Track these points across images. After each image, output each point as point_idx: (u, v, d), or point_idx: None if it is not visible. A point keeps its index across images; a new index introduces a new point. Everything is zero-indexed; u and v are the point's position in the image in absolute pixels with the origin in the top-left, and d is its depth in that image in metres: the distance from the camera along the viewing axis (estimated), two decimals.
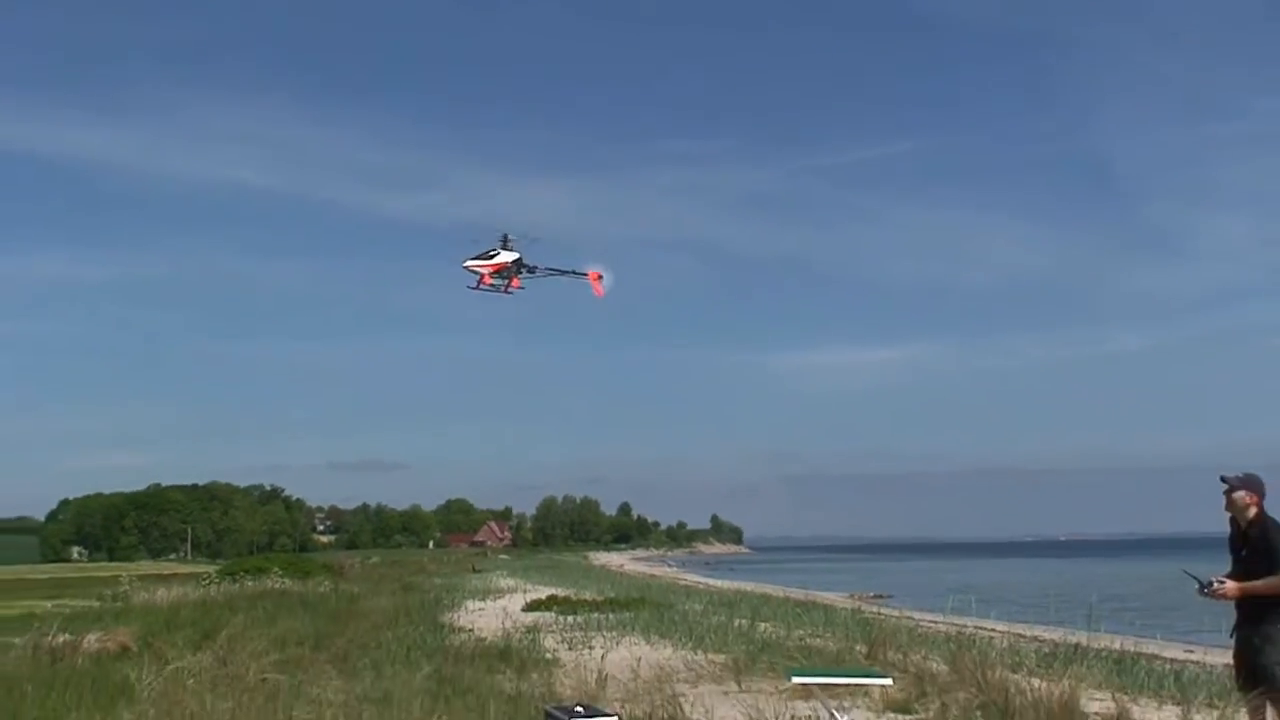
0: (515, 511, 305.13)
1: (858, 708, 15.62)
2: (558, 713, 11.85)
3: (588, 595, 43.93)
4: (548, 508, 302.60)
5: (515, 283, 38.01)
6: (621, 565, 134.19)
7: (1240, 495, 11.28)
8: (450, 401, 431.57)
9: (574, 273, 40.01)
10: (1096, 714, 14.48)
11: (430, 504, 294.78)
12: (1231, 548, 11.47)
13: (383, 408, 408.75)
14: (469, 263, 37.86)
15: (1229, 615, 11.50)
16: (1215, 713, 12.65)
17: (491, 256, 37.87)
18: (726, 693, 17.52)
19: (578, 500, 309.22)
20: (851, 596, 57.26)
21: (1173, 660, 23.48)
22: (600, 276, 40.16)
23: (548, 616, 34.30)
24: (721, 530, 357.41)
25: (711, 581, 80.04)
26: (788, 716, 14.80)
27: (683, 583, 75.08)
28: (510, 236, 38.54)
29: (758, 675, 19.15)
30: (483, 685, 17.01)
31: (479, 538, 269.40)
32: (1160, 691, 17.27)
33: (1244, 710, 11.42)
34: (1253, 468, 11.50)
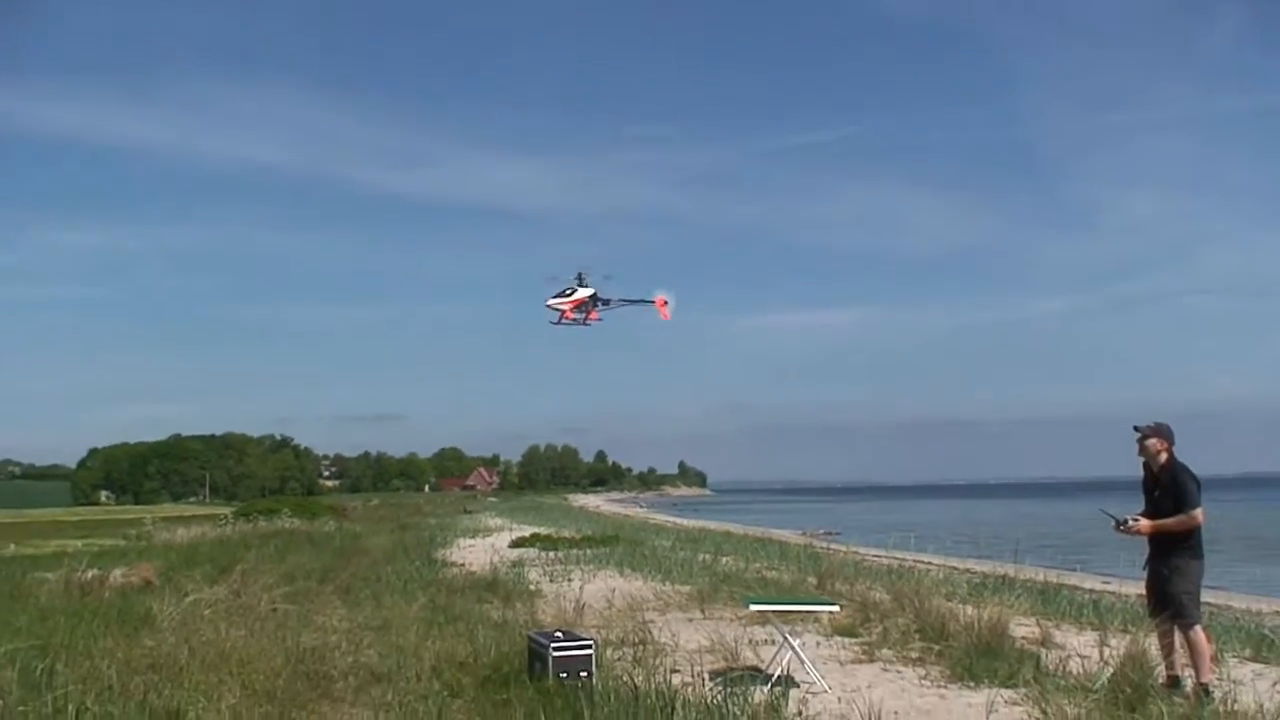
0: (503, 458, 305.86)
1: (808, 631, 15.66)
2: (539, 638, 11.87)
3: (567, 533, 43.90)
4: (532, 455, 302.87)
5: (594, 315, 38.06)
6: (598, 506, 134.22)
7: (1152, 442, 11.39)
8: (445, 359, 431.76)
9: (643, 301, 40.06)
10: (1023, 638, 14.54)
11: (426, 452, 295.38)
12: (1144, 489, 11.56)
13: (385, 365, 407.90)
14: (551, 301, 37.93)
15: (1142, 550, 11.58)
16: (1128, 637, 12.68)
17: (570, 294, 37.89)
18: (691, 619, 17.55)
19: (559, 448, 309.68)
20: (804, 534, 57.35)
21: (1091, 591, 23.60)
22: (665, 301, 40.21)
23: (531, 552, 34.26)
24: (687, 475, 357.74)
25: (678, 521, 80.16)
26: (745, 639, 14.86)
27: (652, 522, 75.17)
28: (585, 273, 38.63)
29: (719, 604, 19.19)
30: (472, 614, 17.02)
31: (470, 482, 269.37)
32: (1080, 618, 17.34)
33: (1154, 634, 11.50)
34: (1163, 418, 11.58)
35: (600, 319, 38.45)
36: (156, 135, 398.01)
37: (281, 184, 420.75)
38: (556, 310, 37.95)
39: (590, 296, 38.09)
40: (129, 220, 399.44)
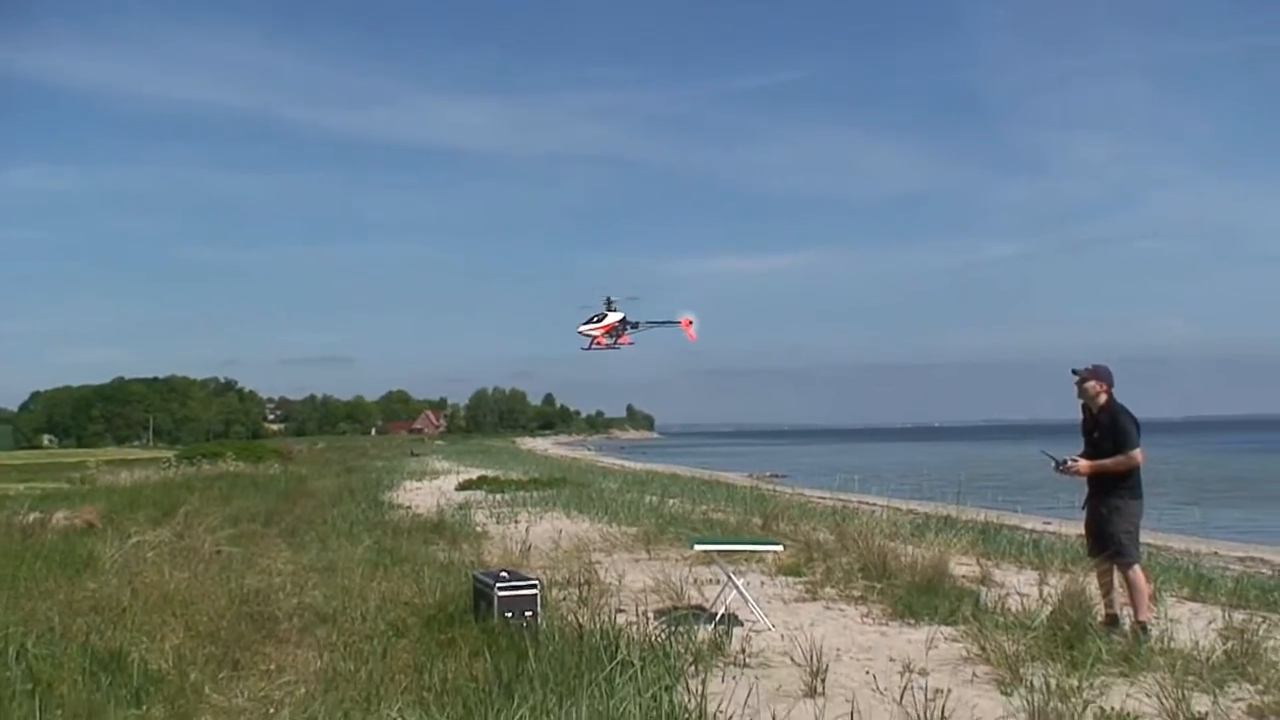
0: (450, 402, 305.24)
1: (753, 571, 15.77)
2: (485, 578, 11.89)
3: (514, 476, 43.95)
4: (480, 398, 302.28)
5: (625, 339, 38.16)
6: (546, 449, 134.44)
7: (1090, 385, 11.48)
8: (393, 302, 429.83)
9: (670, 322, 40.23)
10: (963, 577, 14.70)
11: (372, 395, 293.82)
12: (1084, 431, 11.66)
13: (331, 308, 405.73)
14: (583, 328, 38.02)
15: (1081, 490, 11.71)
16: (1067, 576, 12.86)
17: (600, 319, 37.95)
18: (637, 560, 17.64)
19: (507, 392, 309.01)
20: (750, 476, 57.66)
21: (1031, 531, 23.86)
22: (691, 322, 40.36)
23: (478, 495, 34.28)
24: (635, 418, 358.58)
25: (626, 463, 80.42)
26: (691, 580, 14.95)
27: (600, 464, 75.37)
28: (613, 298, 38.73)
29: (665, 544, 19.29)
30: (418, 555, 17.02)
31: (417, 425, 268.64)
32: (1020, 558, 17.54)
33: (1093, 573, 11.65)
34: (1111, 362, 11.69)
35: (632, 343, 38.81)
36: (100, 75, 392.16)
37: (228, 125, 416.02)
38: (588, 336, 38.17)
39: (620, 320, 38.39)
40: (72, 161, 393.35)
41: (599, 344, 37.85)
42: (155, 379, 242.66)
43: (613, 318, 38.12)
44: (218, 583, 12.81)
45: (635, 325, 38.84)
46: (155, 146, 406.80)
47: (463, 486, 38.67)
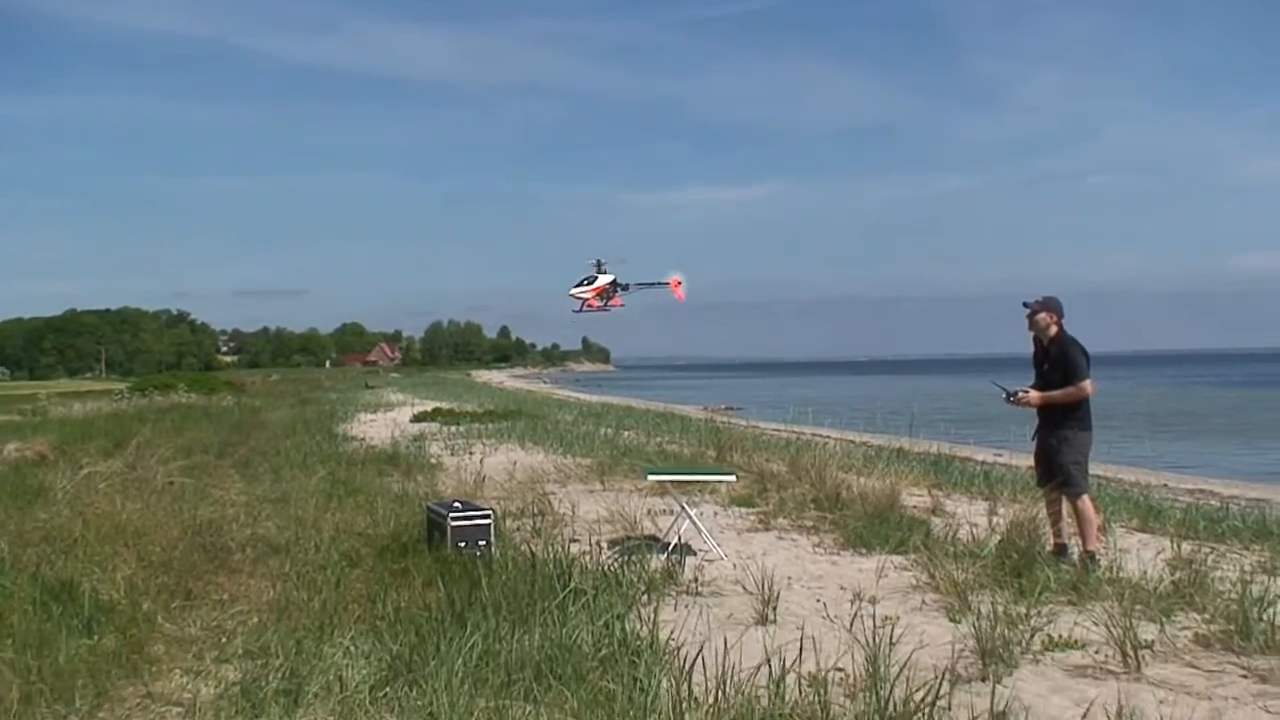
0: (405, 334, 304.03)
1: (706, 502, 15.86)
2: (439, 508, 11.91)
3: (469, 408, 43.91)
4: (435, 331, 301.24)
5: (616, 301, 38.23)
6: (501, 382, 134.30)
7: (1041, 317, 11.50)
8: (347, 233, 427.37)
9: (660, 283, 40.31)
10: (914, 507, 14.83)
11: (327, 327, 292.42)
12: (1035, 363, 11.70)
13: (284, 239, 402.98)
14: (575, 291, 38.18)
15: (1032, 422, 11.79)
16: (1017, 506, 12.99)
17: (592, 282, 37.89)
18: (591, 491, 17.69)
19: (462, 324, 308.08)
20: (705, 409, 57.75)
21: (983, 462, 24.04)
22: (680, 283, 40.34)
23: (433, 427, 34.28)
24: (591, 351, 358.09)
25: (581, 396, 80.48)
26: (644, 510, 15.02)
27: (555, 397, 75.41)
28: (603, 260, 38.65)
29: (619, 476, 19.36)
30: (372, 486, 17.02)
31: (372, 358, 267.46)
32: (971, 488, 17.69)
33: (1042, 504, 11.77)
34: (1065, 296, 11.71)
35: (623, 304, 38.96)
36: (50, 2, 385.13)
37: (178, 52, 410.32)
38: (580, 299, 38.22)
39: (611, 283, 38.48)
40: (22, 89, 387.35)
41: (591, 306, 38.13)
42: (107, 311, 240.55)
43: (603, 280, 38.36)
44: (170, 513, 12.75)
45: (626, 287, 39.14)
46: (104, 74, 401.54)
47: (417, 419, 38.65)
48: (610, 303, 38.37)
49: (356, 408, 49.24)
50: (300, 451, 23.22)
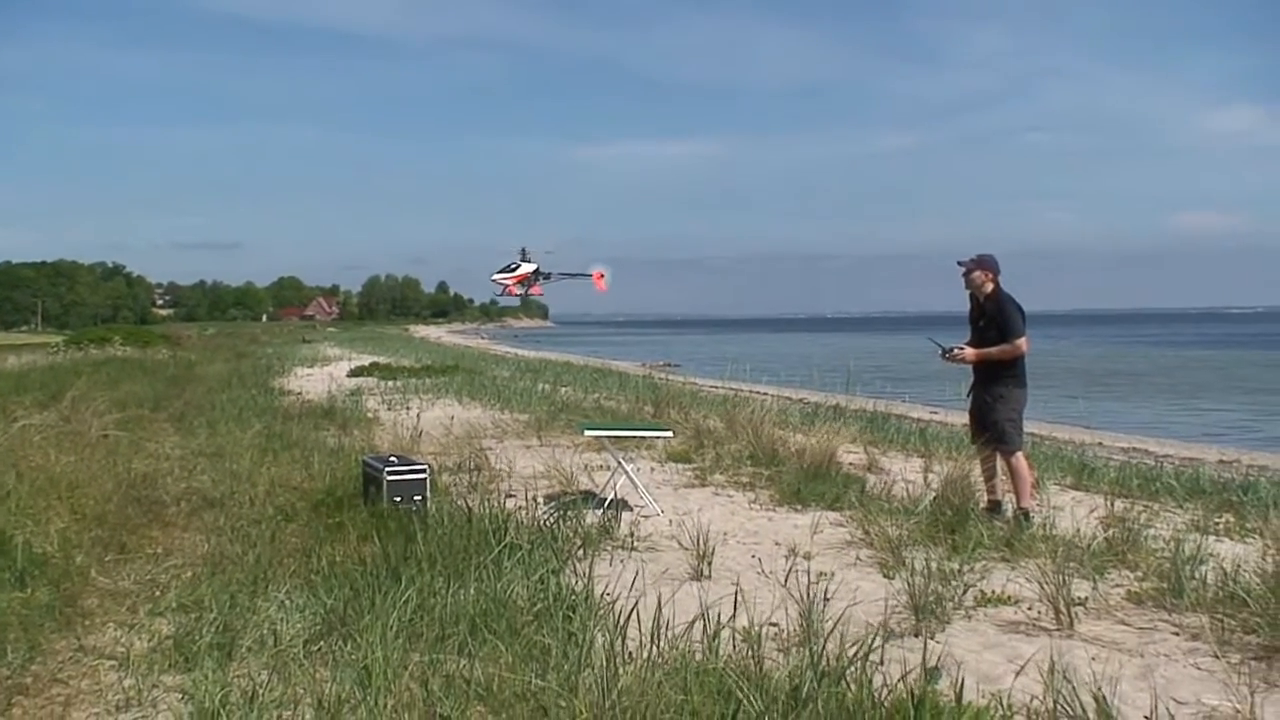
0: (343, 289, 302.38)
1: (643, 458, 15.88)
2: (375, 462, 11.85)
3: (407, 363, 43.71)
4: (372, 285, 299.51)
5: (536, 289, 38.74)
6: (439, 337, 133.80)
7: (977, 274, 11.53)
8: (285, 186, 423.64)
9: (582, 274, 40.73)
10: (850, 464, 14.90)
11: (264, 281, 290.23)
12: (970, 320, 11.73)
13: (221, 191, 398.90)
14: (496, 276, 38.75)
15: (967, 379, 11.86)
16: (952, 463, 13.07)
17: (514, 269, 38.36)
18: (528, 446, 17.67)
19: (400, 279, 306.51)
20: (643, 365, 57.79)
21: (918, 420, 24.19)
22: (603, 275, 40.61)
23: (370, 381, 34.08)
24: (530, 307, 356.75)
25: (519, 351, 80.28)
26: (581, 466, 15.01)
27: (493, 352, 75.19)
28: (528, 249, 39.20)
29: (556, 431, 19.35)
30: (308, 440, 16.90)
31: (309, 312, 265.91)
32: (906, 446, 17.81)
33: (977, 461, 11.84)
34: (1002, 255, 11.74)
35: (542, 293, 39.55)
36: None
37: (117, 1, 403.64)
38: (500, 285, 38.77)
39: (533, 272, 38.98)
40: None
41: (510, 293, 38.71)
42: (43, 263, 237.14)
43: (526, 268, 38.86)
44: (104, 467, 12.60)
45: (547, 276, 39.66)
46: (39, 23, 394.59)
47: (355, 373, 38.44)
48: (530, 291, 39.11)
49: (293, 362, 48.86)
50: (236, 405, 23.02)
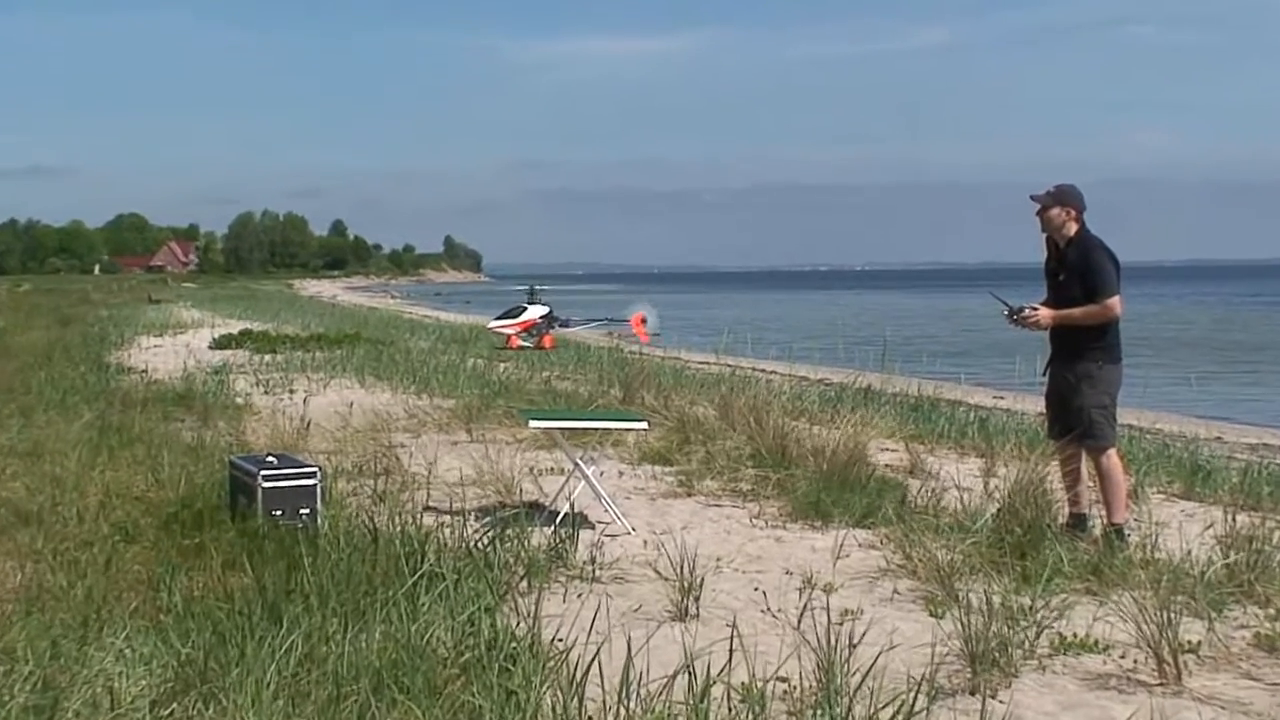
0: (203, 230, 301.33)
1: (608, 457, 15.90)
2: (246, 464, 11.87)
3: (290, 330, 43.64)
4: (243, 226, 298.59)
5: (548, 340, 38.67)
6: (334, 296, 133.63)
7: (1055, 212, 11.42)
8: (128, 93, 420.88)
9: (612, 320, 40.89)
10: (886, 466, 14.96)
11: (97, 220, 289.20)
12: (1046, 273, 11.71)
13: (37, 99, 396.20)
14: (493, 324, 38.89)
15: (1043, 353, 11.88)
16: (1022, 464, 13.11)
17: (518, 314, 38.44)
18: (455, 442, 17.69)
19: (281, 218, 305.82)
20: (609, 334, 57.78)
21: (977, 407, 24.23)
22: (644, 320, 40.62)
23: (241, 355, 34.04)
24: (456, 255, 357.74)
25: (443, 315, 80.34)
26: (525, 468, 15.03)
27: (408, 316, 75.23)
28: (537, 287, 39.32)
29: (493, 422, 19.36)
30: (156, 434, 16.88)
31: (157, 261, 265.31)
32: (961, 441, 17.87)
33: (1055, 461, 11.86)
34: (1080, 185, 11.72)
35: (554, 345, 39.55)
36: None
37: None
38: (501, 335, 38.90)
39: (545, 316, 39.10)
40: None
41: (513, 345, 38.83)
42: None
43: (533, 313, 39.18)
44: None
45: (565, 323, 40.05)
46: None
47: (220, 344, 38.41)
48: (541, 342, 39.30)
49: (136, 329, 48.70)
50: (58, 387, 22.95)
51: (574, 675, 6.90)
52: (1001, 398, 26.72)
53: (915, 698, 6.47)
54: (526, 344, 38.94)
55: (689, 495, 14.03)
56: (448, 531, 10.43)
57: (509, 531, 10.71)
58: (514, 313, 40.25)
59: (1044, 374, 11.82)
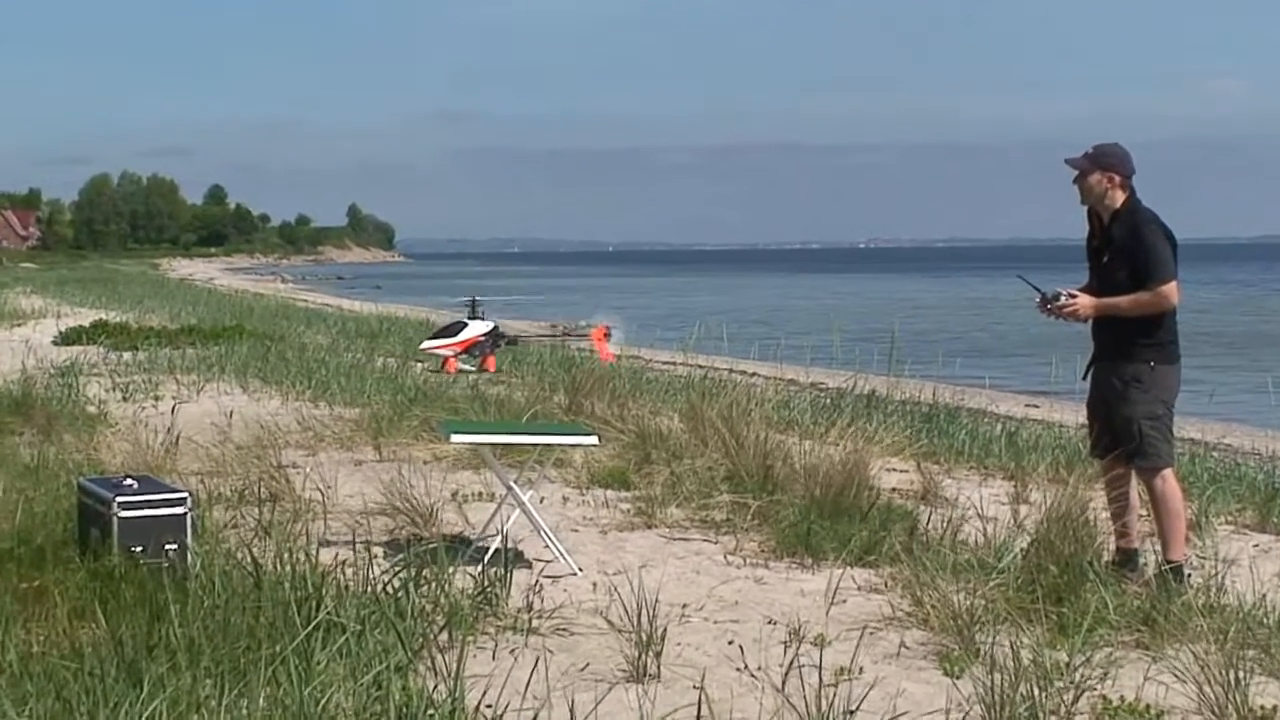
0: (46, 197, 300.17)
1: (550, 480, 15.87)
2: (99, 489, 11.84)
3: (156, 322, 43.64)
4: (97, 192, 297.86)
5: (490, 362, 38.86)
6: (211, 279, 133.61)
7: (1095, 179, 11.31)
8: None
9: (572, 334, 41.01)
10: (893, 489, 15.02)
11: None
12: (1088, 252, 11.67)
13: None
14: (427, 344, 38.78)
15: (1085, 349, 11.90)
16: (1058, 487, 13.17)
17: (456, 332, 38.56)
18: (359, 461, 17.69)
19: (144, 181, 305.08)
20: (553, 327, 57.76)
21: (1006, 418, 24.38)
22: (607, 333, 40.74)
23: (93, 353, 33.96)
24: (363, 229, 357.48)
25: (346, 303, 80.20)
26: (447, 493, 15.04)
27: (303, 304, 75.10)
28: (479, 299, 39.23)
29: (407, 436, 19.33)
30: None
31: None
32: (984, 460, 17.95)
33: (1098, 484, 11.89)
34: (1128, 143, 11.71)
35: (495, 369, 39.73)
36: None
37: None
38: (436, 356, 39.08)
39: (490, 333, 39.20)
40: None
41: (450, 369, 38.97)
42: None
43: (475, 329, 39.20)
44: None
45: (512, 341, 40.11)
46: None
47: (67, 339, 38.37)
48: (484, 364, 39.43)
49: None
50: None
51: None
52: (1035, 406, 26.88)
53: None
54: (468, 367, 39.05)
55: (649, 527, 14.06)
56: (350, 572, 10.43)
57: (426, 572, 10.71)
58: (452, 330, 40.32)
59: (1085, 377, 11.84)
